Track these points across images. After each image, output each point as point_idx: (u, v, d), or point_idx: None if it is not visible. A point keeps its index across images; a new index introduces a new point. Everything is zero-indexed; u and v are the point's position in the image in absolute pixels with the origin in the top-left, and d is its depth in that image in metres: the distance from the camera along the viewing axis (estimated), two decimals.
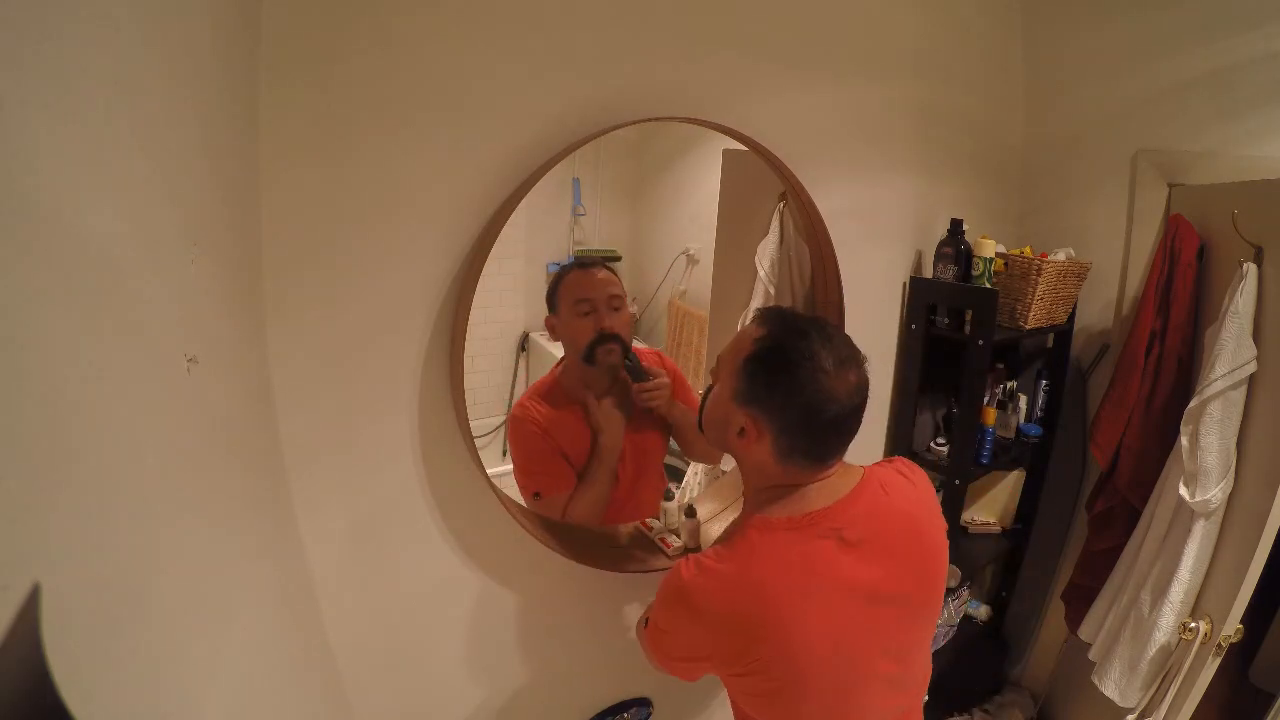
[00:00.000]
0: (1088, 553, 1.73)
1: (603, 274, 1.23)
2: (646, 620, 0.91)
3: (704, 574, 0.78)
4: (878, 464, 0.90)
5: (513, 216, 1.01)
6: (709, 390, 0.88)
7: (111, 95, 0.46)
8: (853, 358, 0.79)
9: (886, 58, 1.46)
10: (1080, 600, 1.70)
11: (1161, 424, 1.52)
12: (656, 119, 1.10)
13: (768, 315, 0.84)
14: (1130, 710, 1.45)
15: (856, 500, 0.82)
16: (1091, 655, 1.58)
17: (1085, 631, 1.64)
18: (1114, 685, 1.48)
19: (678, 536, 1.32)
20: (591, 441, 1.25)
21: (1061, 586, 1.85)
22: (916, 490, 0.88)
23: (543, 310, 1.26)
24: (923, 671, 0.92)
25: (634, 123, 1.06)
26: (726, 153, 1.54)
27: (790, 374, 0.76)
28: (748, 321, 1.59)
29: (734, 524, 0.85)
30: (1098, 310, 1.80)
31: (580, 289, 1.20)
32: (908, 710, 0.91)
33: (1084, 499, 1.82)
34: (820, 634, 0.77)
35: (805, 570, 0.77)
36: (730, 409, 0.82)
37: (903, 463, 0.92)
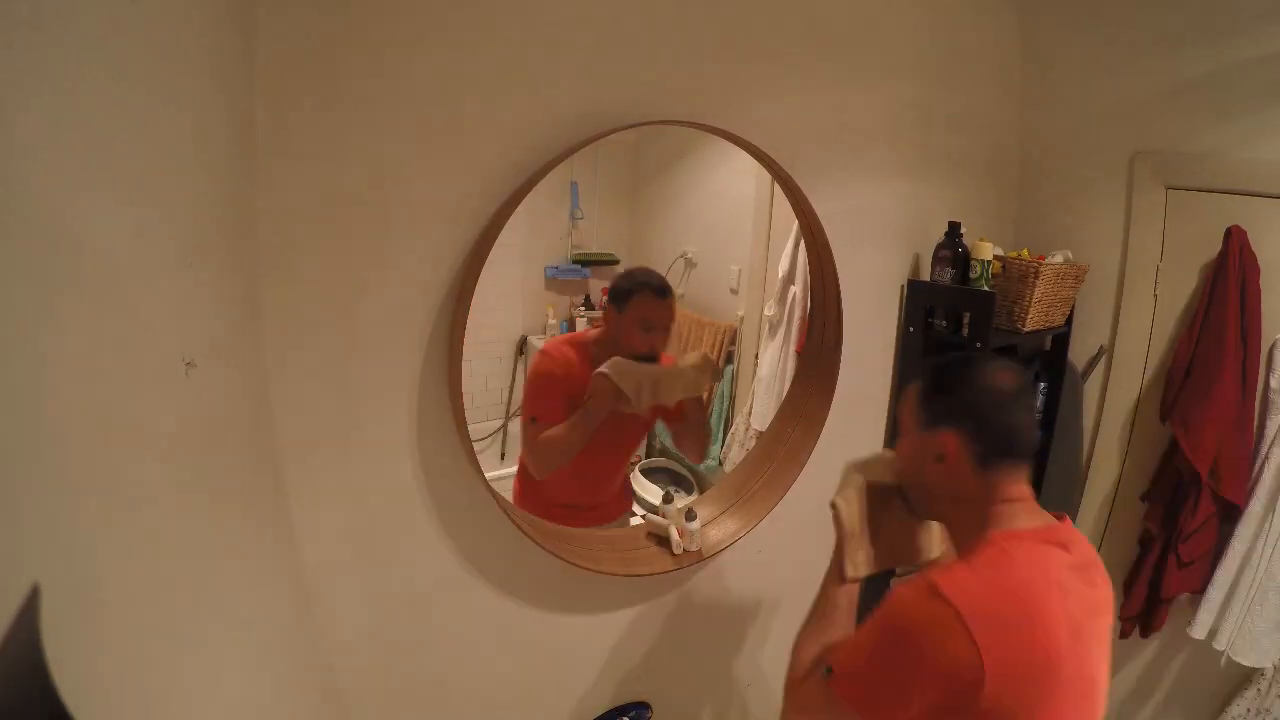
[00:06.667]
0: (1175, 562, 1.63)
1: (672, 302, 1.40)
2: (829, 670, 0.81)
3: (953, 579, 0.73)
4: None
5: (511, 220, 1.02)
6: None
7: (110, 99, 0.47)
8: (1005, 364, 0.85)
9: (884, 61, 1.47)
10: None
11: (1241, 420, 1.50)
12: (655, 123, 1.10)
13: (920, 366, 0.88)
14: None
15: (1065, 526, 0.82)
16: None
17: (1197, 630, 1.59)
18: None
19: (678, 538, 1.32)
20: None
21: None
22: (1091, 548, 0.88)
23: (542, 312, 1.31)
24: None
25: (632, 126, 1.06)
26: None
27: (962, 374, 0.84)
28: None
29: (965, 549, 0.82)
30: (1095, 313, 1.80)
31: (653, 312, 1.38)
32: None
33: (1081, 500, 1.82)
34: (1067, 637, 0.72)
35: (1051, 574, 0.75)
36: (922, 444, 0.85)
37: None
